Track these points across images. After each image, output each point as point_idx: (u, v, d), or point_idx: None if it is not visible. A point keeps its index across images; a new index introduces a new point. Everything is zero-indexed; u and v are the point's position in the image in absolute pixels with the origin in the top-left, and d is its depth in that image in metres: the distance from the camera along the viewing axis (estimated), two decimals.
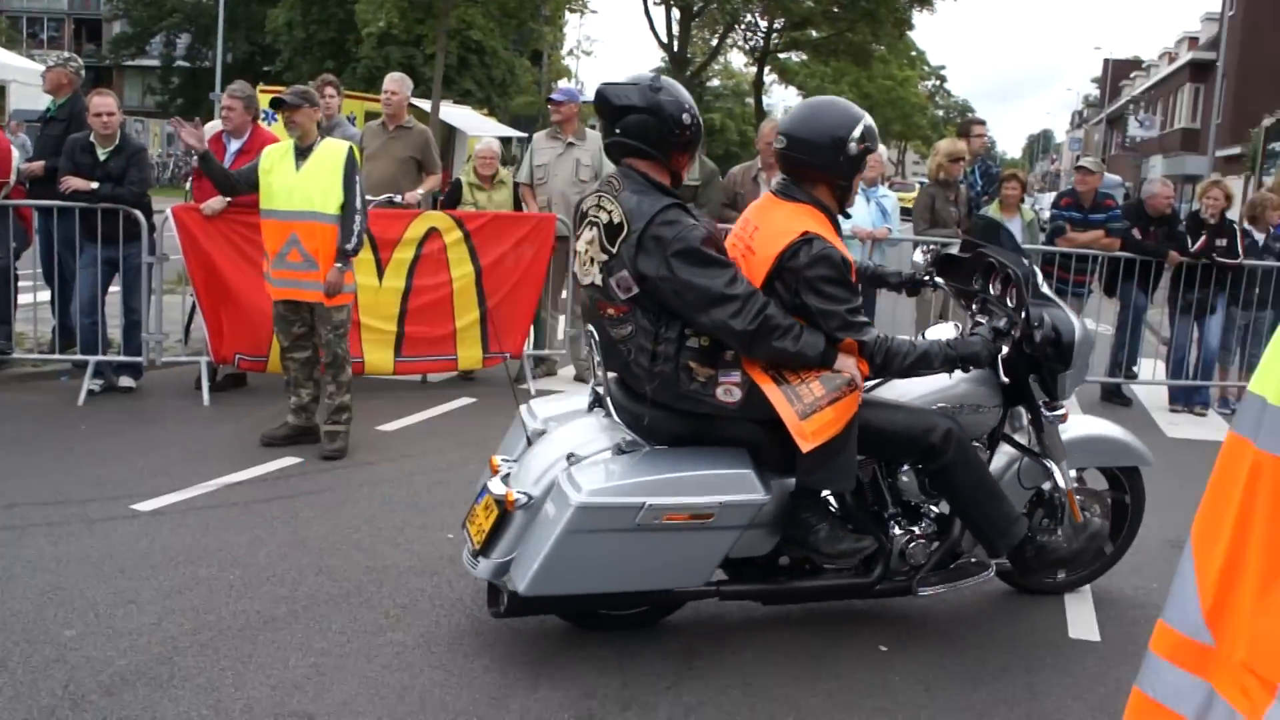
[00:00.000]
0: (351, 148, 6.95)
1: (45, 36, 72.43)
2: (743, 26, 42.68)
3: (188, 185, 24.66)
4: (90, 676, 4.00)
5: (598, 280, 4.11)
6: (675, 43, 36.35)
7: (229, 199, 7.84)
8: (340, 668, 4.15)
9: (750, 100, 58.69)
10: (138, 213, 8.17)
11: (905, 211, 10.41)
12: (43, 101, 9.58)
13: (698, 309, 3.94)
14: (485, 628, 4.54)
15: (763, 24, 42.85)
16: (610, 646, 4.41)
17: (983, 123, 10.88)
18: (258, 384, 8.60)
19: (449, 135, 24.84)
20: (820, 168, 4.17)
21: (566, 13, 43.48)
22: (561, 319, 9.57)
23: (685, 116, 4.09)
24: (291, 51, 44.78)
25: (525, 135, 41.63)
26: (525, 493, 4.11)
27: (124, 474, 6.41)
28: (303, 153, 6.84)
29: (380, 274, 8.39)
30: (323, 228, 6.74)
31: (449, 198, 9.50)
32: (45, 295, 8.92)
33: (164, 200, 9.08)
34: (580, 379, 9.34)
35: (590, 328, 4.32)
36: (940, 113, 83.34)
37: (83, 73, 9.12)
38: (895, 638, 4.66)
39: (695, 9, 36.08)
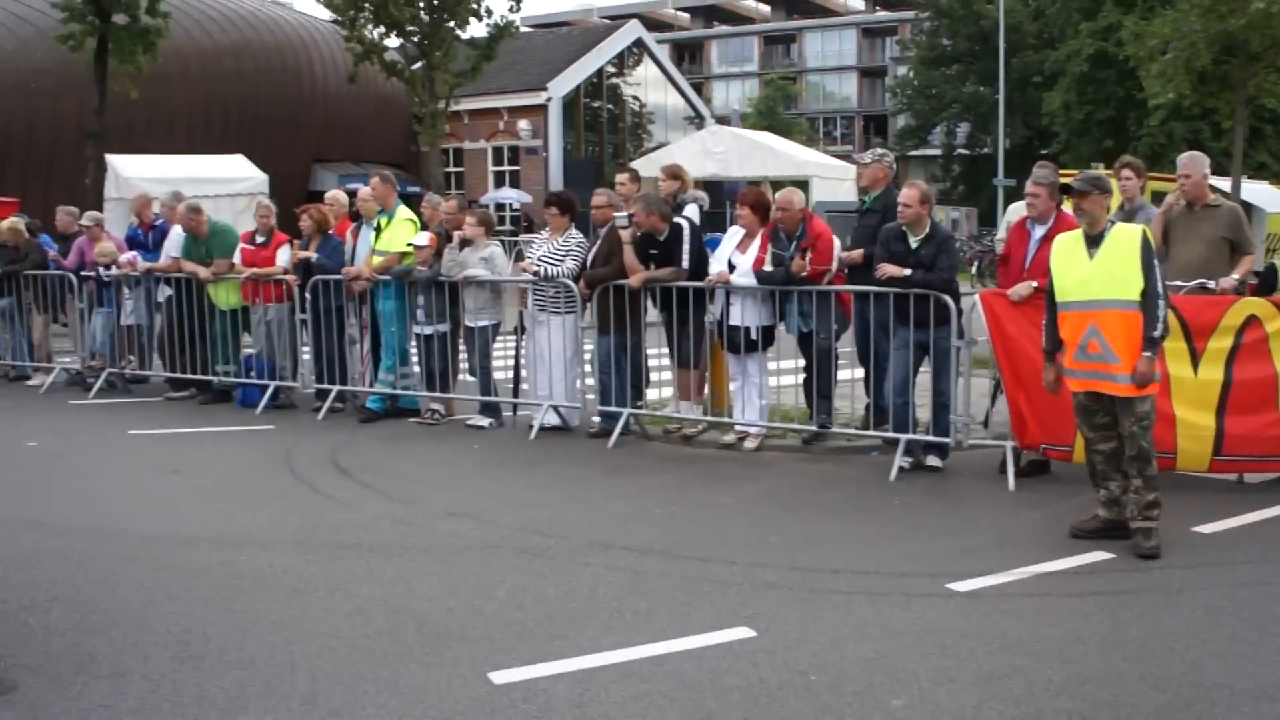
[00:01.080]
0: (1144, 231, 6.65)
1: (839, 134, 78.63)
2: None
3: (973, 269, 24.95)
4: None
5: None
6: None
7: (1034, 285, 7.83)
8: None
9: None
10: (947, 298, 8.41)
11: None
12: (840, 193, 10.26)
13: None
14: None
15: None
16: None
17: None
18: (1061, 472, 8.46)
19: (1245, 213, 23.15)
20: None
21: None
22: None
23: None
24: (1069, 133, 44.51)
25: None
26: None
27: (936, 552, 6.58)
28: (1094, 241, 6.65)
29: (1195, 365, 7.91)
30: (1123, 315, 6.50)
31: (1263, 283, 8.72)
32: (859, 373, 9.49)
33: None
34: None
35: None
36: None
37: (894, 167, 9.63)
38: None
39: None
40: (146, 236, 12.73)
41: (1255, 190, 25.75)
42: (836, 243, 9.28)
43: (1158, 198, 9.39)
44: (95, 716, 4.42)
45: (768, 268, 9.09)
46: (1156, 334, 6.48)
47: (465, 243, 10.38)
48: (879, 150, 9.87)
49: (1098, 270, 6.60)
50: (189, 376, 11.91)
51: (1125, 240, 6.60)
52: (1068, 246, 6.80)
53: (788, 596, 5.79)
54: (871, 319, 8.80)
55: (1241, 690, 4.69)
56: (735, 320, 9.31)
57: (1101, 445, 6.83)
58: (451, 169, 39.36)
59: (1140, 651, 5.10)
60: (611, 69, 45.04)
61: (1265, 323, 7.87)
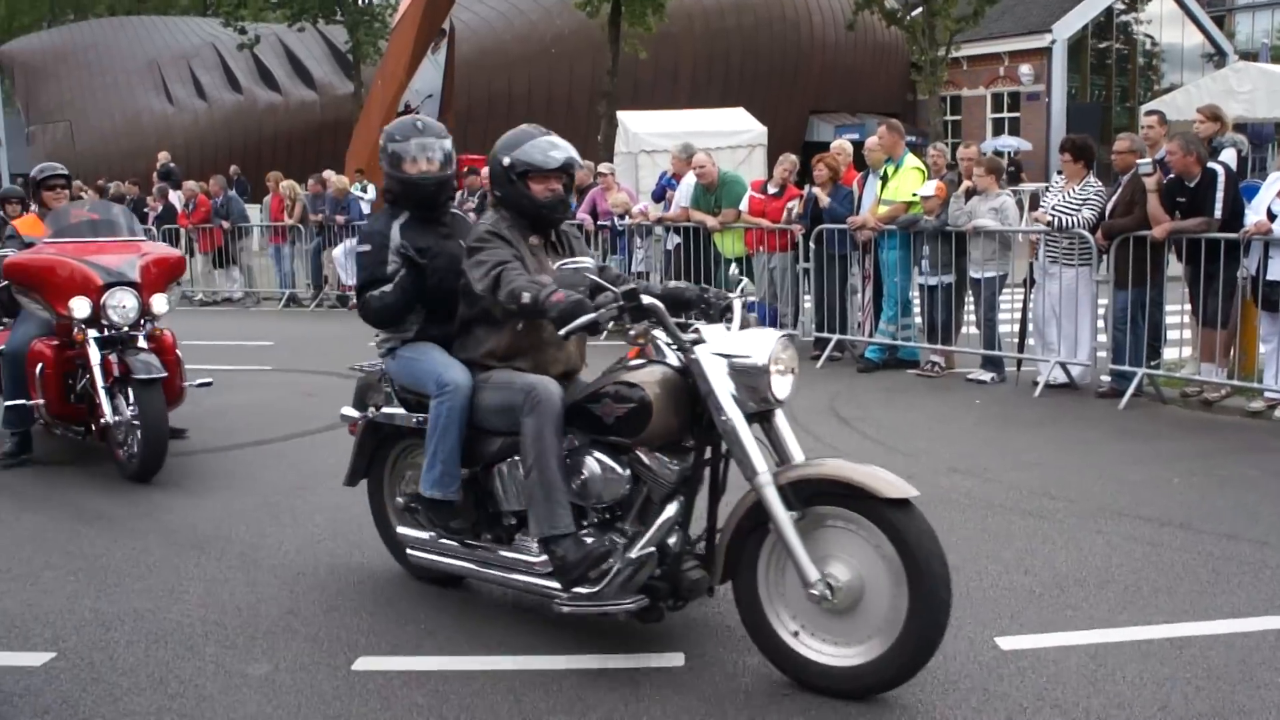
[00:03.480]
0: None
1: None
2: None
3: None
4: None
5: None
6: None
7: None
8: None
9: None
10: None
11: None
12: None
13: None
14: None
15: None
16: None
17: None
18: None
19: None
20: None
21: None
22: None
23: None
24: None
25: None
26: None
27: None
28: None
29: None
30: None
31: None
32: None
33: None
34: None
35: None
36: None
37: None
38: None
39: None
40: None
41: None
42: None
43: None
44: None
45: None
46: None
47: (972, 191, 10.08)
48: None
49: None
50: (691, 323, 12.34)
51: None
52: None
53: None
54: None
55: None
56: (1274, 275, 8.44)
57: None
58: (949, 117, 38.46)
59: None
60: (1121, 6, 42.23)
61: None
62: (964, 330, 10.82)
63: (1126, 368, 9.15)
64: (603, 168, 14.24)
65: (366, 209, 17.53)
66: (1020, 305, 10.24)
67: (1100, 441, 8.10)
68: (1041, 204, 10.06)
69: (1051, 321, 9.67)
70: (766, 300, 11.72)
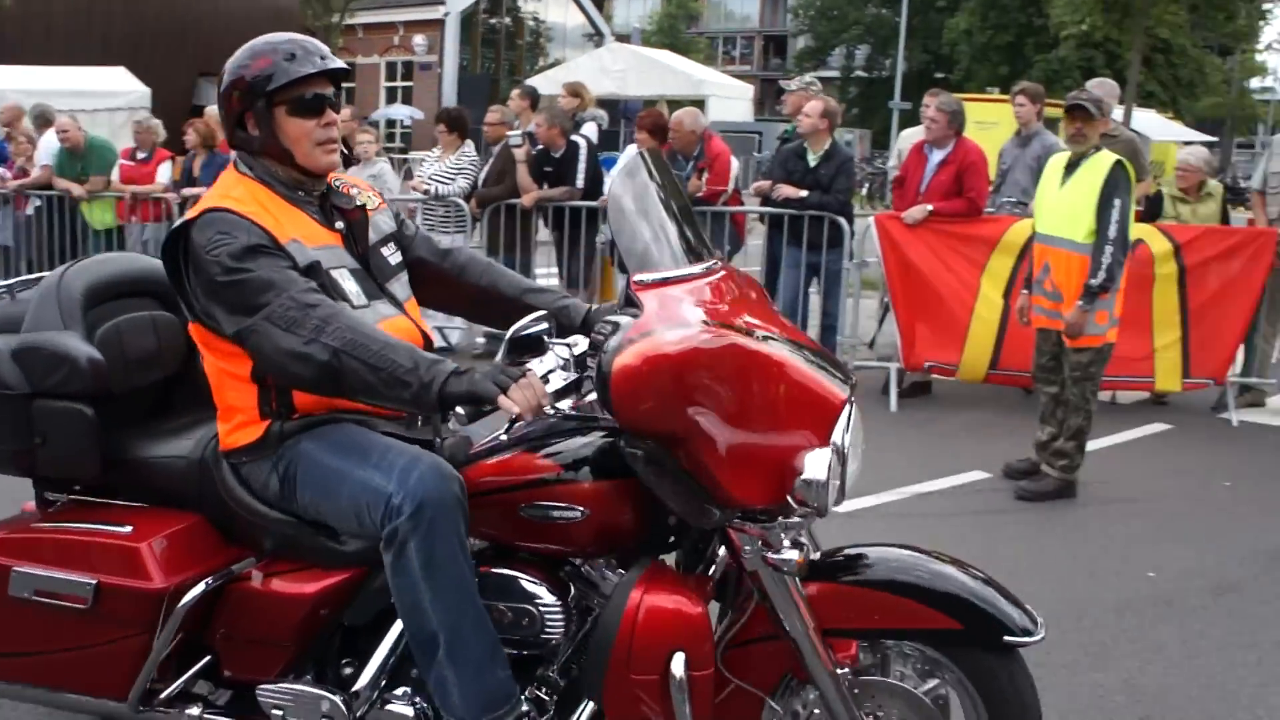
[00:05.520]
0: (1120, 162, 5.92)
1: (737, 53, 78.26)
2: None
3: (863, 191, 24.80)
4: None
5: None
6: None
7: (930, 208, 7.88)
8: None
9: None
10: (841, 220, 8.36)
11: None
12: (736, 113, 10.01)
13: None
14: (1193, 683, 4.16)
15: None
16: None
17: None
18: (941, 393, 8.59)
19: None
20: None
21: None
22: (1278, 344, 8.62)
23: None
24: (970, 59, 44.72)
25: (1214, 140, 38.59)
26: None
27: None
28: (1071, 167, 6.07)
29: None
30: (1069, 257, 5.96)
31: (1148, 211, 8.84)
32: None
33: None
34: None
35: None
36: None
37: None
38: None
39: None
40: None
41: (1141, 119, 26.21)
42: (735, 164, 9.21)
43: (1051, 124, 9.33)
44: None
45: None
46: (1094, 282, 5.82)
47: (349, 160, 10.12)
48: (807, 78, 9.74)
49: (1062, 201, 6.06)
50: None
51: (1093, 171, 5.93)
52: (1049, 170, 6.29)
53: None
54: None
55: (1107, 602, 4.86)
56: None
57: (1045, 388, 6.37)
58: (345, 85, 38.40)
59: (1012, 568, 5.18)
60: None
61: (1152, 247, 7.94)
62: None
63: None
64: None
65: None
66: None
67: None
68: (417, 173, 10.32)
69: None
70: None
